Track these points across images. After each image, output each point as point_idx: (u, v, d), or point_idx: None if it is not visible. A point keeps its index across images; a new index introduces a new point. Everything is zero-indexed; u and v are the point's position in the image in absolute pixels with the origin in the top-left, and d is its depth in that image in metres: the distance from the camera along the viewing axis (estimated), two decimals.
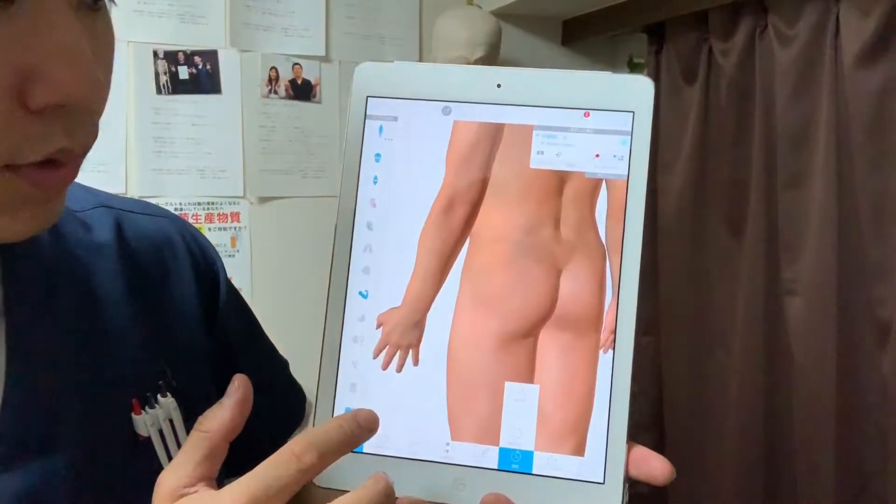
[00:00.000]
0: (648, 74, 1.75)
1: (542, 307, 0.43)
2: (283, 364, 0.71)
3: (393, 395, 0.43)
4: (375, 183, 0.44)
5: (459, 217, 0.43)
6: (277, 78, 1.71)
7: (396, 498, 0.40)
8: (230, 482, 0.39)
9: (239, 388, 0.41)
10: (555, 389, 0.42)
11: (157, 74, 1.62)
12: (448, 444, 0.42)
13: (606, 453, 0.41)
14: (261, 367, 0.68)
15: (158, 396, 0.54)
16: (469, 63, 1.67)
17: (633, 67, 1.90)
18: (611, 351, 0.42)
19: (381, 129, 0.44)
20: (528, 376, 0.42)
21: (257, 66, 1.69)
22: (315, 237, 1.71)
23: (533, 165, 0.43)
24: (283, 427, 0.68)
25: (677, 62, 1.63)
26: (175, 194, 1.63)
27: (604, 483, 0.41)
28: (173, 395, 0.55)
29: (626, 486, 0.41)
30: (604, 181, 0.43)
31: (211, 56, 1.65)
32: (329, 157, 1.76)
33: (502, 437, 0.42)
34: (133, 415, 0.52)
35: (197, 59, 1.65)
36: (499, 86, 0.44)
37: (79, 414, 0.50)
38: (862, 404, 1.33)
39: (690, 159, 1.59)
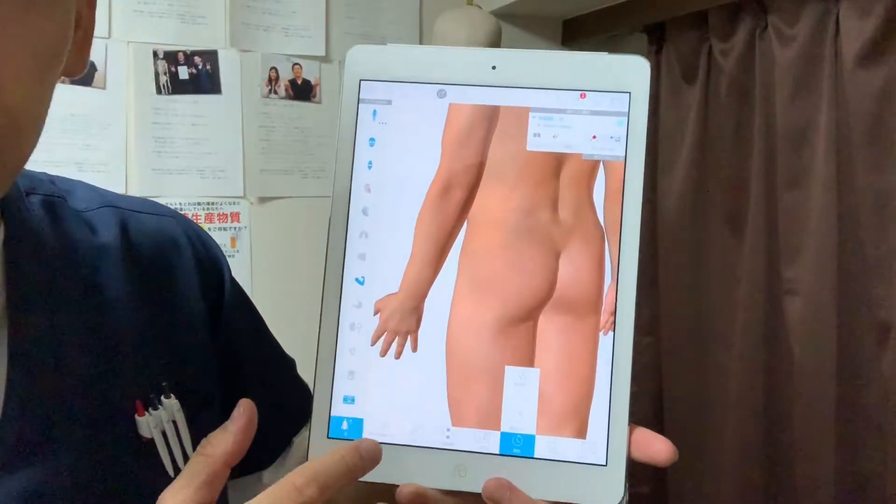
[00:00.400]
0: (650, 76, 1.75)
1: (541, 290, 0.42)
2: (289, 363, 0.71)
3: (392, 382, 0.42)
4: (370, 168, 0.44)
5: (456, 201, 0.43)
6: (277, 78, 1.71)
7: (397, 486, 0.40)
8: (231, 483, 0.38)
9: (244, 413, 0.40)
10: (555, 372, 0.42)
11: (157, 74, 1.62)
12: (449, 429, 0.42)
13: (608, 435, 0.41)
14: (266, 366, 0.68)
15: (162, 398, 0.54)
16: None
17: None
18: (611, 333, 0.42)
19: (374, 112, 0.44)
20: (529, 360, 0.42)
21: (257, 66, 1.69)
22: (315, 237, 1.71)
23: (530, 148, 0.43)
24: (289, 427, 0.67)
25: (677, 62, 1.63)
26: (175, 194, 1.63)
27: (606, 465, 0.41)
28: (177, 397, 0.55)
29: (629, 468, 0.41)
30: (601, 163, 0.43)
31: (211, 56, 1.65)
32: (329, 157, 1.76)
33: (503, 422, 0.42)
34: (136, 416, 0.52)
35: (197, 59, 1.64)
36: (494, 67, 0.43)
37: (81, 416, 0.49)
38: (862, 404, 1.33)
39: (690, 159, 1.59)
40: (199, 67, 1.65)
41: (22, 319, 0.48)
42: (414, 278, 0.43)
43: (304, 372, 0.71)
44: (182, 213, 0.65)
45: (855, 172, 1.29)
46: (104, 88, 1.57)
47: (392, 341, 0.42)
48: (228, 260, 0.65)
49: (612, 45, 1.96)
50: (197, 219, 1.64)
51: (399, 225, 0.43)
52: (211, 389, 0.59)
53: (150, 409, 0.53)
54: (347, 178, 0.43)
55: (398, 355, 0.42)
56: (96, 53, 1.51)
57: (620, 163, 0.42)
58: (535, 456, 0.41)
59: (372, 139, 0.44)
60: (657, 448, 0.40)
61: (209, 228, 1.65)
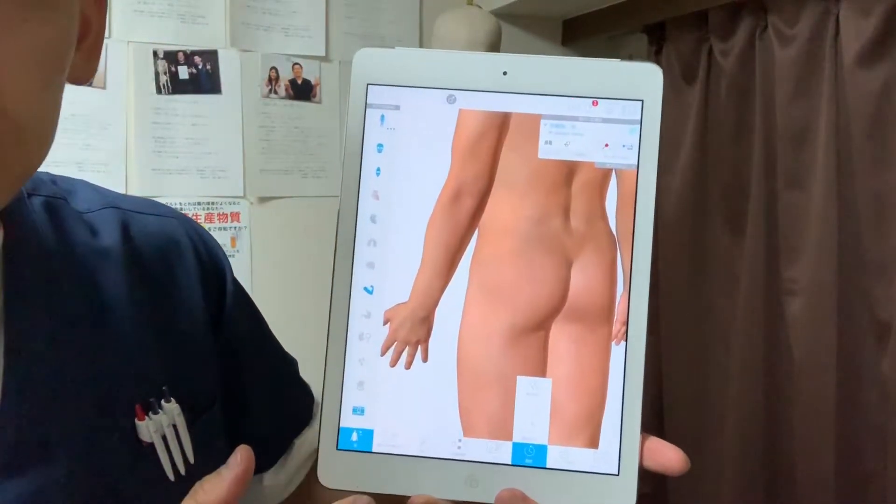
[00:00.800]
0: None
1: (553, 299, 0.42)
2: (291, 364, 0.71)
3: (402, 393, 0.42)
4: (378, 174, 0.43)
5: (467, 209, 0.42)
6: (277, 78, 1.71)
7: (408, 497, 0.39)
8: None
9: (241, 462, 0.38)
10: (567, 382, 0.41)
11: (157, 74, 1.62)
12: (460, 440, 0.41)
13: (621, 445, 0.41)
14: (268, 367, 0.67)
15: (162, 402, 0.53)
16: None
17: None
18: (623, 342, 0.41)
19: (382, 118, 0.43)
20: (541, 370, 0.41)
21: (257, 66, 1.69)
22: (315, 237, 1.71)
23: (541, 155, 0.42)
24: (290, 429, 0.67)
25: (677, 62, 1.63)
26: (175, 194, 1.63)
27: (618, 475, 0.41)
28: (177, 401, 0.54)
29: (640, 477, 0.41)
30: (613, 171, 0.42)
31: (211, 56, 1.65)
32: (329, 157, 1.76)
33: (515, 432, 0.41)
34: (136, 420, 0.52)
35: (197, 59, 1.64)
36: (505, 73, 0.43)
37: (80, 420, 0.49)
38: (862, 404, 1.33)
39: (690, 159, 1.59)
40: (199, 67, 1.65)
41: (20, 323, 0.48)
42: (424, 287, 0.42)
43: (303, 370, 0.71)
44: (182, 213, 0.65)
45: (855, 172, 1.29)
46: (104, 88, 1.57)
47: (402, 351, 0.42)
48: (228, 260, 0.65)
49: (612, 45, 1.96)
50: (197, 218, 1.64)
51: (408, 233, 0.42)
52: (212, 392, 0.59)
53: (150, 413, 0.52)
54: (355, 184, 0.43)
55: (408, 365, 0.42)
56: None
57: (633, 171, 0.42)
58: (548, 466, 0.41)
59: (380, 145, 0.43)
60: (669, 457, 0.40)
61: (209, 228, 1.65)
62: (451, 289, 0.42)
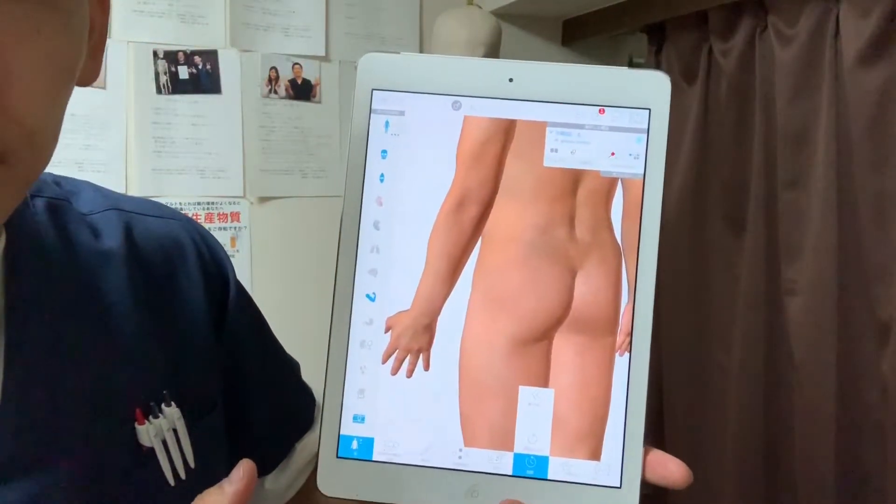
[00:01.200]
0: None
1: (556, 309, 0.41)
2: (293, 367, 0.70)
3: (403, 402, 0.41)
4: (382, 181, 0.42)
5: (471, 216, 0.42)
6: (277, 78, 1.71)
7: None
8: None
9: (243, 476, 0.38)
10: (570, 393, 0.41)
11: (157, 74, 1.62)
12: (461, 450, 0.41)
13: (623, 457, 0.40)
14: (270, 370, 0.67)
15: (163, 406, 0.53)
16: None
17: (633, 67, 1.90)
18: (627, 354, 0.41)
19: (387, 124, 0.43)
20: (543, 380, 0.41)
21: (257, 66, 1.69)
22: (315, 237, 1.71)
23: (546, 163, 0.42)
24: (292, 432, 0.67)
25: (677, 62, 1.63)
26: (175, 194, 1.63)
27: (620, 487, 0.40)
28: (177, 405, 0.54)
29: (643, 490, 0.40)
30: (619, 180, 0.42)
31: (211, 56, 1.65)
32: (329, 157, 1.76)
33: (517, 443, 0.41)
34: (136, 425, 0.52)
35: (197, 59, 1.64)
36: (511, 80, 0.42)
37: (80, 425, 0.49)
38: (862, 404, 1.33)
39: (690, 159, 1.59)
40: (199, 67, 1.65)
41: (21, 326, 0.48)
42: (426, 295, 0.42)
43: (303, 370, 0.71)
44: (185, 214, 0.65)
45: (855, 172, 1.29)
46: (104, 88, 1.57)
47: (403, 359, 0.41)
48: (231, 263, 0.65)
49: (612, 45, 1.96)
50: (197, 218, 1.63)
51: (412, 240, 0.42)
52: (213, 396, 0.58)
53: (150, 417, 0.52)
54: (358, 190, 0.42)
55: (410, 374, 0.41)
56: None
57: (639, 181, 0.41)
58: (549, 477, 0.41)
59: (384, 151, 0.42)
60: (672, 470, 0.40)
61: (209, 228, 1.65)
62: (453, 297, 0.42)
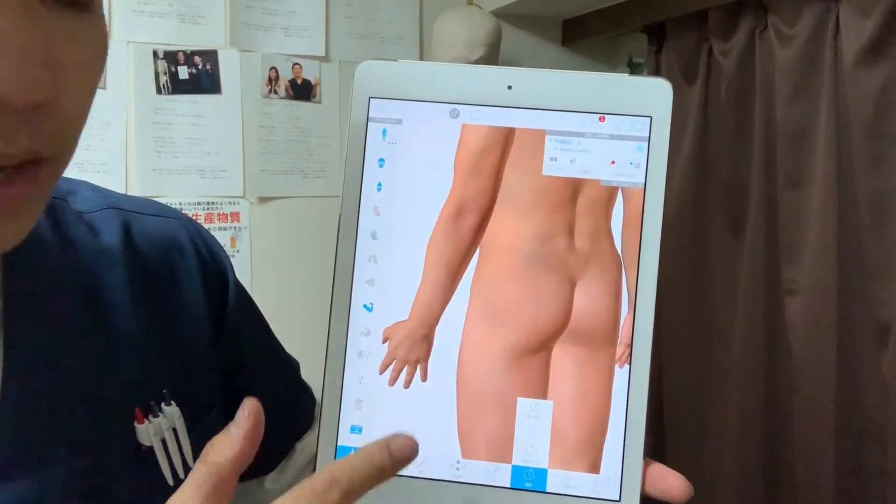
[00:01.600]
0: (651, 74, 1.74)
1: (555, 320, 0.41)
2: (293, 366, 0.70)
3: (400, 413, 0.41)
4: (379, 190, 0.42)
5: (469, 226, 0.41)
6: (277, 78, 1.71)
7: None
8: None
9: (249, 416, 0.37)
10: (569, 405, 0.40)
11: (157, 74, 1.62)
12: (459, 462, 0.41)
13: (622, 471, 0.40)
14: (270, 370, 0.67)
15: (162, 405, 0.53)
16: (469, 63, 1.67)
17: (633, 67, 1.90)
18: (627, 366, 0.40)
19: (384, 132, 0.42)
20: (542, 392, 0.41)
21: (257, 66, 1.69)
22: (315, 237, 1.71)
23: (546, 172, 0.41)
24: (291, 432, 0.67)
25: (677, 62, 1.63)
26: (175, 194, 1.63)
27: (620, 501, 0.40)
28: (177, 404, 0.54)
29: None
30: (620, 189, 0.41)
31: (211, 56, 1.65)
32: (329, 157, 1.76)
33: (515, 455, 0.40)
34: (136, 424, 0.51)
35: (197, 59, 1.64)
36: (510, 87, 0.42)
37: (80, 423, 0.49)
38: (862, 404, 1.33)
39: (690, 159, 1.59)
40: (199, 67, 1.65)
41: (19, 325, 0.48)
42: (424, 305, 0.41)
43: (304, 372, 0.71)
44: (185, 214, 0.64)
45: (855, 172, 1.29)
46: (104, 88, 1.57)
47: (401, 370, 0.41)
48: (231, 262, 0.65)
49: (612, 45, 1.96)
50: (197, 218, 1.63)
51: (409, 250, 0.41)
52: (212, 396, 0.58)
53: (149, 416, 0.52)
54: (356, 200, 0.42)
55: (407, 385, 0.41)
56: None
57: (640, 190, 0.41)
58: (548, 490, 0.40)
59: (381, 160, 0.42)
60: (672, 484, 0.40)
61: (209, 228, 1.65)
62: (451, 307, 0.41)
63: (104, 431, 0.50)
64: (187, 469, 0.54)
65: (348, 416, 0.41)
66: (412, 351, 0.41)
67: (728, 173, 1.54)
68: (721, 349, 1.56)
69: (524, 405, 0.41)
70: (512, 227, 0.41)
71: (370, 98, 0.42)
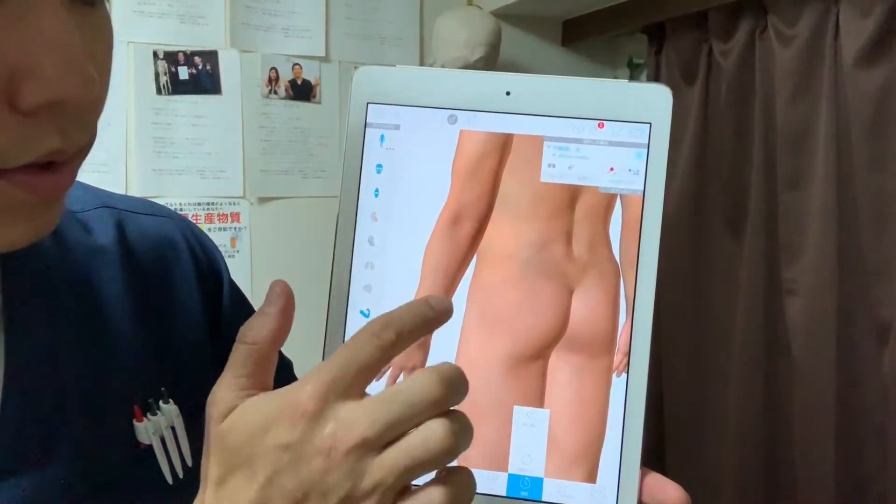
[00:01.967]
0: (650, 77, 1.75)
1: (553, 328, 0.41)
2: (287, 365, 0.70)
3: None
4: (377, 196, 0.42)
5: (466, 232, 0.41)
6: (277, 78, 1.71)
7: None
8: None
9: (281, 295, 0.38)
10: (566, 414, 0.40)
11: (157, 74, 1.62)
12: None
13: (619, 481, 0.40)
14: None
15: (160, 403, 0.53)
16: (469, 64, 1.67)
17: (633, 68, 1.90)
18: (624, 374, 0.40)
19: (382, 137, 0.42)
20: (538, 400, 0.40)
21: (257, 66, 1.69)
22: (315, 237, 1.71)
23: (544, 179, 0.41)
24: None
25: (677, 62, 1.63)
26: (175, 194, 1.63)
27: None
28: (175, 402, 0.54)
29: None
30: (618, 196, 0.41)
31: (211, 56, 1.65)
32: (329, 157, 1.76)
33: (511, 463, 0.40)
34: (134, 422, 0.52)
35: (197, 59, 1.64)
36: (508, 93, 0.41)
37: (79, 422, 0.49)
38: (862, 404, 1.33)
39: (690, 159, 1.59)
40: (199, 67, 1.65)
41: (17, 325, 0.48)
42: None
43: (302, 371, 0.71)
44: (182, 213, 0.64)
45: (855, 172, 1.29)
46: None
47: (397, 377, 0.41)
48: (228, 260, 0.65)
49: (612, 45, 1.96)
50: (197, 219, 1.64)
51: (406, 256, 0.41)
52: (209, 393, 0.58)
53: (148, 414, 0.52)
54: (353, 205, 0.42)
55: None
56: None
57: (639, 197, 0.40)
58: (544, 499, 0.40)
59: (379, 166, 0.42)
60: (669, 495, 0.39)
61: (209, 228, 1.65)
62: None
63: (104, 430, 0.50)
64: (186, 468, 0.54)
65: None
66: (408, 357, 0.41)
67: (728, 174, 1.54)
68: (721, 349, 1.56)
69: (521, 413, 0.40)
70: (509, 233, 0.41)
71: (368, 103, 0.42)
